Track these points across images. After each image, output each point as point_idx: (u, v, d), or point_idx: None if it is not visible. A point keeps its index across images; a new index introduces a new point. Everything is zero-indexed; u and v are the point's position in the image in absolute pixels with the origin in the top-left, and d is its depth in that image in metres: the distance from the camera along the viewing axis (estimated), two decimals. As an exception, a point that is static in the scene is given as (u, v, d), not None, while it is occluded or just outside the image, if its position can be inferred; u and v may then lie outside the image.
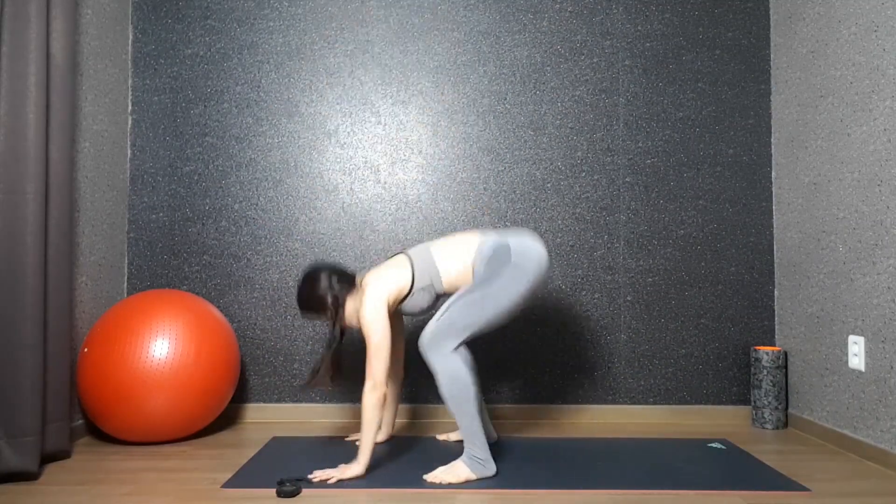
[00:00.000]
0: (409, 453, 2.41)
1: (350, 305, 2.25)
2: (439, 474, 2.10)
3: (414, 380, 2.97)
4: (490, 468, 2.13)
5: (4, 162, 2.13)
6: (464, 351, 2.18)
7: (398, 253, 2.50)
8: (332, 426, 2.83)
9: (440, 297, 2.32)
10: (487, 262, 2.19)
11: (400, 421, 2.92)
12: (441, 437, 2.63)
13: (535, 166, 3.01)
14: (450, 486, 2.07)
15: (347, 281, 2.26)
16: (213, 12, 3.03)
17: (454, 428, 2.77)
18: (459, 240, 2.29)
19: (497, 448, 2.47)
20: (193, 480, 2.12)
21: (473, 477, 2.10)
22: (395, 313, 2.51)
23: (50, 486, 2.05)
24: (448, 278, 2.25)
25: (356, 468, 2.11)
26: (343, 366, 2.34)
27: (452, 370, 2.11)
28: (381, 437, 2.54)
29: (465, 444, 2.13)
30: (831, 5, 2.59)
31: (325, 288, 2.22)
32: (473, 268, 2.23)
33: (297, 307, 2.31)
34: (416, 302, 2.27)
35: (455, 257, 2.25)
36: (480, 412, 2.44)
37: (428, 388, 2.97)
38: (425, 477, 2.11)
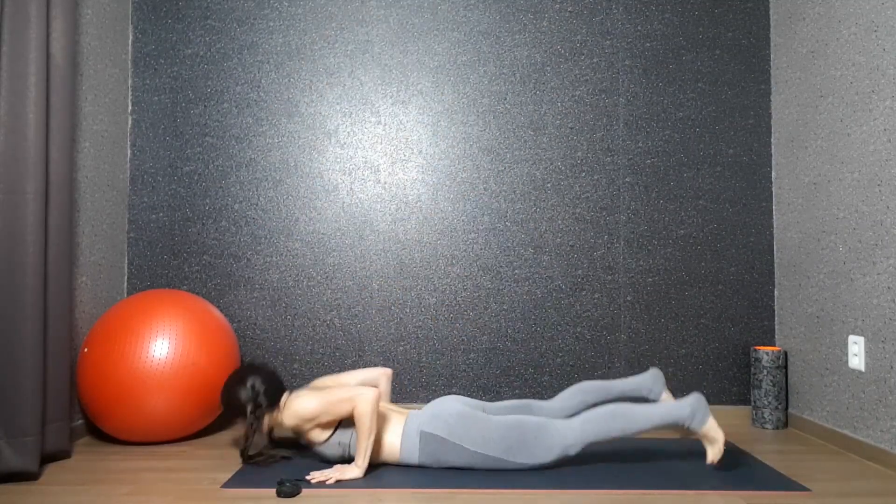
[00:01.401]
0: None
1: (269, 418, 2.24)
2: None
3: (408, 379, 2.97)
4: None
5: (4, 162, 2.13)
6: (563, 419, 2.20)
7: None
8: (332, 426, 2.83)
9: (351, 460, 2.22)
10: (426, 451, 2.17)
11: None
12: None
13: (535, 166, 3.01)
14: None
15: (273, 399, 2.23)
16: (213, 12, 3.03)
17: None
18: (389, 414, 2.24)
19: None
20: (193, 480, 2.12)
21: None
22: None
23: (50, 486, 2.05)
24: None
25: (354, 471, 2.10)
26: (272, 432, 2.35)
27: (593, 429, 2.15)
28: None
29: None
30: (831, 5, 2.59)
31: (249, 396, 2.20)
32: (401, 458, 2.19)
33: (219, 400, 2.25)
34: (327, 452, 2.20)
35: (385, 427, 2.21)
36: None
37: (411, 386, 2.97)
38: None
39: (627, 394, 2.45)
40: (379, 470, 2.20)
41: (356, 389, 2.11)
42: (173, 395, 2.39)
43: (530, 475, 2.15)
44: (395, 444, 2.19)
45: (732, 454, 2.42)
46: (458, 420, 2.17)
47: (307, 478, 2.09)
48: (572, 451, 2.16)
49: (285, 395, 2.28)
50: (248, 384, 2.22)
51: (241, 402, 2.20)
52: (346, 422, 2.20)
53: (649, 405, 2.19)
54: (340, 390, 2.13)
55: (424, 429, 2.18)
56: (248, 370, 2.27)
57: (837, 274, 2.55)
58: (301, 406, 2.14)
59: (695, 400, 2.16)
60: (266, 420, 2.24)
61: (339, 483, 2.07)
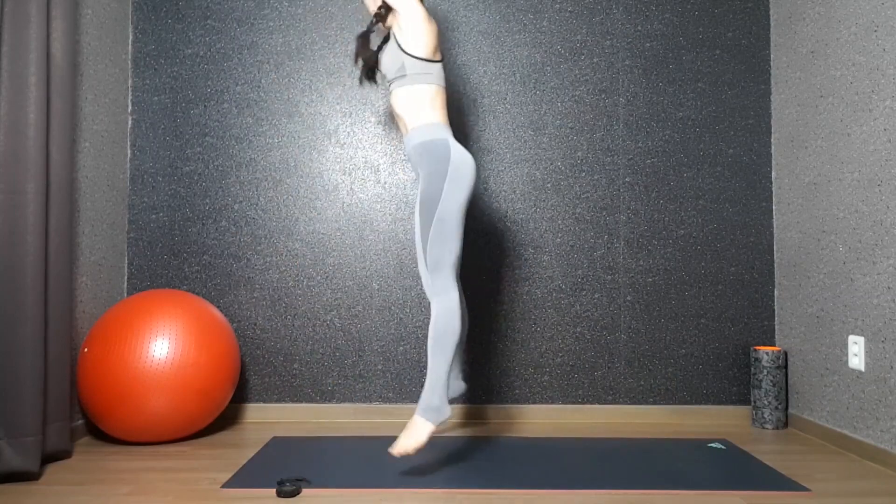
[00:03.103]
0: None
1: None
2: (402, 443, 2.10)
3: (408, 379, 2.97)
4: (445, 411, 2.13)
5: (4, 162, 2.13)
6: (455, 291, 2.21)
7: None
8: (332, 426, 2.83)
9: (388, 82, 2.32)
10: (423, 148, 2.22)
11: (397, 421, 2.92)
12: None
13: (535, 166, 3.01)
14: (417, 451, 2.10)
15: None
16: (213, 12, 3.03)
17: (449, 429, 2.77)
18: (441, 108, 2.30)
19: (498, 448, 2.47)
20: (193, 480, 2.12)
21: (432, 427, 2.11)
22: None
23: (51, 486, 2.06)
24: (407, 95, 2.27)
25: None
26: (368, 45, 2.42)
27: (451, 310, 2.14)
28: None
29: (425, 390, 2.13)
30: (831, 5, 2.59)
31: None
32: (411, 128, 2.26)
33: None
34: (387, 60, 2.30)
35: (428, 103, 2.26)
36: (454, 360, 2.45)
37: (410, 386, 2.97)
38: (390, 451, 2.11)
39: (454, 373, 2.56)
40: (374, 468, 2.20)
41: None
42: (173, 395, 2.39)
43: (529, 475, 2.15)
44: (417, 121, 2.26)
45: (732, 454, 2.42)
46: (464, 174, 2.20)
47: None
48: (426, 285, 2.21)
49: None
50: None
51: None
52: (420, 60, 2.26)
53: (450, 370, 2.20)
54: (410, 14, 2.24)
55: (445, 143, 2.22)
56: None
57: (837, 274, 2.55)
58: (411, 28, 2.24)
59: (445, 412, 2.14)
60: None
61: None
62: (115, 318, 2.47)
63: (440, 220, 2.16)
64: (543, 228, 3.00)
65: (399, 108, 2.29)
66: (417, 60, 2.24)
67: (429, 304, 2.96)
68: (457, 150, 2.22)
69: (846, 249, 2.50)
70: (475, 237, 2.99)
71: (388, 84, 2.39)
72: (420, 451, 2.10)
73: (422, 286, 2.98)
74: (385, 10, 2.33)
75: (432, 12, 3.02)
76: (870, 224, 2.36)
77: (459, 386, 2.55)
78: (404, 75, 2.26)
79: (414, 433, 2.10)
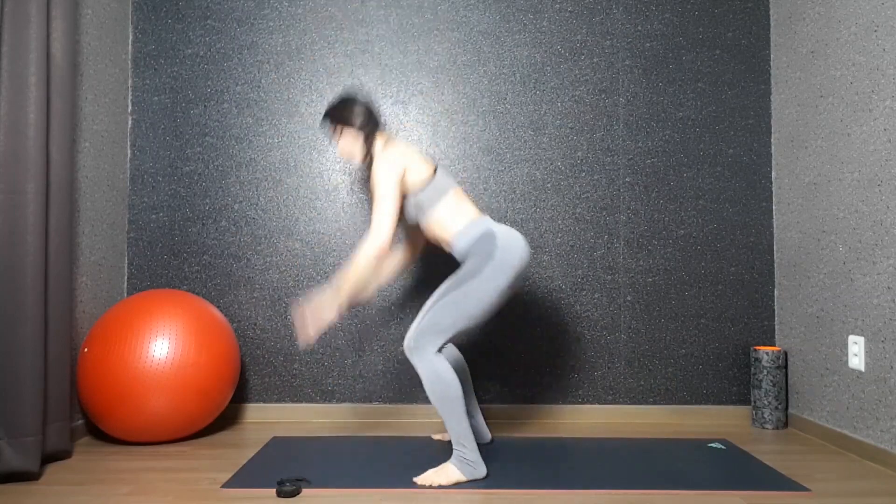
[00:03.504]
0: (406, 453, 2.41)
1: (368, 145, 2.32)
2: (430, 476, 2.09)
3: (408, 379, 2.97)
4: (480, 470, 2.11)
5: (4, 162, 2.13)
6: (450, 348, 2.17)
7: (431, 161, 2.48)
8: (333, 426, 2.83)
9: (416, 228, 2.35)
10: (470, 248, 2.19)
11: (397, 421, 2.92)
12: (436, 436, 2.63)
13: (535, 166, 3.01)
14: (440, 487, 2.06)
15: (377, 127, 2.33)
16: (213, 12, 3.03)
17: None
18: (466, 206, 2.28)
19: (498, 448, 2.47)
20: (193, 480, 2.12)
21: (463, 479, 2.09)
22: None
23: (51, 486, 2.06)
24: (432, 222, 2.25)
25: (330, 297, 2.17)
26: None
27: (436, 371, 2.09)
28: (367, 297, 2.60)
29: (454, 446, 2.12)
30: (831, 5, 2.59)
31: (363, 113, 2.30)
32: (452, 241, 2.23)
33: (325, 114, 2.35)
34: (408, 208, 2.29)
35: (452, 214, 2.24)
36: (471, 413, 2.45)
37: (410, 386, 2.96)
38: (415, 479, 2.10)
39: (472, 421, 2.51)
40: (374, 469, 2.20)
41: (381, 225, 2.12)
42: (173, 395, 2.39)
43: (530, 475, 2.15)
44: (455, 228, 2.23)
45: (732, 454, 2.42)
46: (505, 260, 2.15)
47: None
48: (413, 360, 2.14)
49: (384, 136, 2.36)
50: (362, 102, 2.32)
51: (356, 112, 2.29)
52: (429, 190, 2.24)
53: (464, 417, 2.13)
54: (383, 203, 2.14)
55: (490, 233, 2.19)
56: (355, 95, 2.35)
57: (837, 274, 2.55)
58: (379, 162, 2.20)
59: (478, 474, 2.11)
60: (367, 142, 2.31)
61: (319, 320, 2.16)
62: (115, 318, 2.47)
63: (465, 293, 2.12)
64: (543, 228, 3.00)
65: (435, 235, 2.28)
66: (419, 193, 2.23)
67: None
68: (502, 232, 2.20)
69: (846, 249, 2.50)
70: (475, 237, 2.99)
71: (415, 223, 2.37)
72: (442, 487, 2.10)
73: (421, 286, 2.98)
74: (371, 159, 2.32)
75: (432, 14, 3.02)
76: (870, 224, 2.36)
77: (485, 435, 2.53)
78: (421, 209, 2.26)
79: (444, 474, 2.10)
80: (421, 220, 2.28)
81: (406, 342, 2.15)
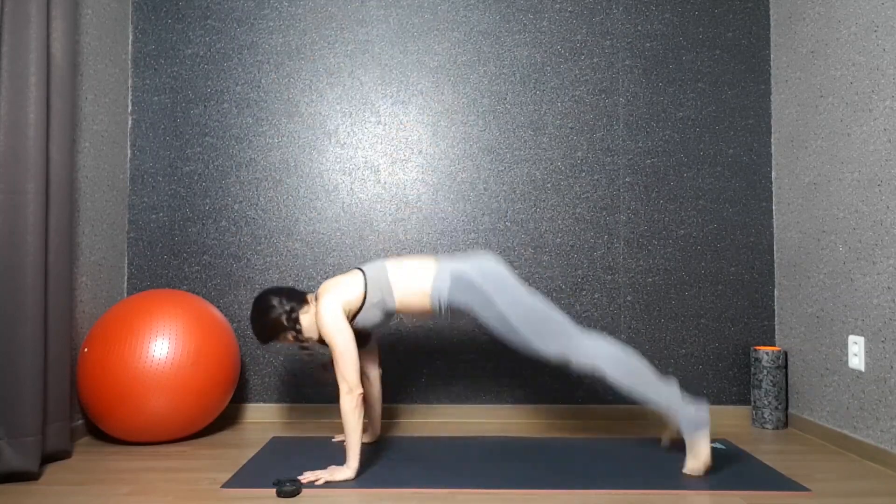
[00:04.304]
0: (405, 453, 2.41)
1: (305, 320, 2.26)
2: (691, 466, 2.14)
3: (396, 379, 2.97)
4: (703, 413, 2.14)
5: (5, 162, 2.13)
6: (594, 334, 2.21)
7: (353, 268, 2.44)
8: (332, 426, 2.83)
9: (392, 316, 2.30)
10: (452, 299, 2.19)
11: (397, 421, 2.92)
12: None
13: (535, 166, 3.01)
14: (707, 467, 2.13)
15: (297, 298, 2.26)
16: (213, 12, 3.03)
17: (449, 429, 2.77)
18: (417, 263, 2.27)
19: (498, 448, 2.47)
20: (193, 480, 2.12)
21: (707, 433, 2.13)
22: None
23: (50, 486, 2.06)
24: (401, 297, 2.23)
25: (346, 472, 2.10)
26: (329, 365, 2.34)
27: (608, 353, 2.15)
28: (368, 438, 2.54)
29: (670, 415, 2.15)
30: (831, 5, 2.59)
31: (278, 309, 2.22)
32: (431, 296, 2.22)
33: (256, 339, 2.28)
34: (367, 317, 2.25)
35: (411, 278, 2.24)
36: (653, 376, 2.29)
37: (410, 386, 2.97)
38: (688, 473, 2.15)
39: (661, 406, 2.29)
40: (373, 470, 2.20)
41: (347, 378, 2.08)
42: (173, 395, 2.39)
43: (529, 475, 2.15)
44: (425, 285, 2.21)
45: (732, 454, 2.42)
46: (495, 275, 2.20)
47: (300, 478, 2.09)
48: (574, 360, 2.17)
49: (310, 296, 2.31)
50: (271, 302, 2.24)
51: (275, 318, 2.22)
52: (374, 281, 2.22)
53: (663, 382, 2.17)
54: (343, 359, 2.09)
55: (458, 272, 2.20)
56: (261, 297, 2.27)
57: (837, 274, 2.55)
58: (321, 322, 2.15)
59: (703, 413, 2.14)
60: (304, 320, 2.25)
61: (331, 484, 2.06)
62: (115, 318, 2.47)
63: (524, 322, 2.15)
64: (543, 228, 3.00)
65: (411, 307, 2.26)
66: (369, 299, 2.21)
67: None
68: (471, 267, 2.21)
69: (846, 249, 2.49)
70: (475, 236, 2.99)
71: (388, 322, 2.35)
72: (710, 467, 2.14)
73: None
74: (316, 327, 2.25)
75: (432, 14, 3.02)
76: (870, 224, 2.36)
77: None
78: (383, 303, 2.23)
79: (695, 453, 2.14)
80: (390, 308, 2.25)
81: (557, 361, 2.19)
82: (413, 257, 2.34)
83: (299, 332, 2.24)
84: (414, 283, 2.23)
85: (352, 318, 2.23)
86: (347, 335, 2.12)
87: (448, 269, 2.23)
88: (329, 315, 2.14)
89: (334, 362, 2.12)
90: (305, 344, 2.29)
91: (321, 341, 2.29)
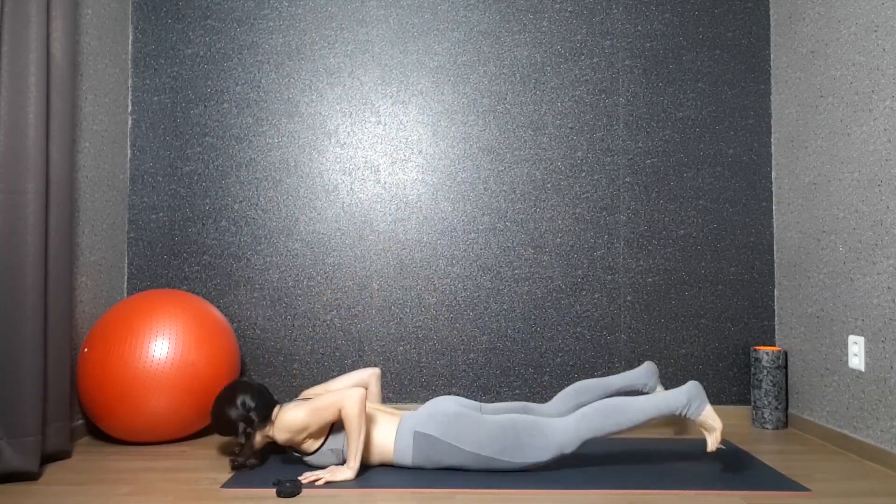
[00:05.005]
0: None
1: (260, 435, 2.21)
2: (710, 442, 2.14)
3: (408, 379, 2.97)
4: (699, 399, 2.16)
5: (4, 162, 2.13)
6: (557, 419, 2.19)
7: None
8: (332, 426, 2.83)
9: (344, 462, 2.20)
10: (419, 453, 2.16)
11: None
12: None
13: (535, 166, 3.01)
14: (722, 434, 2.18)
15: (263, 413, 2.19)
16: (213, 12, 3.03)
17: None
18: (383, 417, 2.23)
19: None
20: (193, 480, 2.12)
21: (708, 408, 2.15)
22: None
23: (50, 486, 2.05)
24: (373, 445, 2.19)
25: (346, 472, 2.10)
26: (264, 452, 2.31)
27: (586, 426, 2.14)
28: None
29: (673, 408, 2.15)
30: (831, 5, 2.59)
31: (240, 411, 2.17)
32: (394, 460, 2.19)
33: (230, 434, 2.21)
34: (320, 460, 2.18)
35: (373, 435, 2.19)
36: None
37: (410, 386, 2.97)
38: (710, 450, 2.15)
39: (623, 389, 2.50)
40: (372, 471, 2.20)
41: (342, 392, 2.10)
42: (173, 395, 2.39)
43: (529, 475, 2.16)
44: (388, 444, 2.19)
45: (732, 454, 2.42)
46: (451, 420, 2.17)
47: (300, 479, 2.09)
48: (568, 450, 2.14)
49: (276, 409, 2.24)
50: (238, 402, 2.18)
51: (233, 421, 2.17)
52: (338, 427, 2.19)
53: (644, 397, 2.18)
54: (326, 396, 2.11)
55: (418, 429, 2.17)
56: (237, 388, 2.23)
57: (837, 274, 2.55)
58: (289, 418, 2.11)
59: (691, 387, 2.15)
60: (258, 437, 2.21)
61: (331, 484, 2.06)
62: (115, 318, 2.47)
63: (497, 448, 2.13)
64: (543, 228, 3.00)
65: (370, 462, 2.21)
66: (322, 451, 2.17)
67: (427, 303, 2.97)
68: (428, 419, 2.17)
69: (846, 249, 2.49)
70: (475, 236, 2.99)
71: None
72: (722, 427, 2.15)
73: (421, 286, 2.98)
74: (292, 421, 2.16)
75: (432, 14, 3.02)
76: (870, 224, 2.36)
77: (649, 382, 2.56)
78: (341, 458, 2.18)
79: (708, 428, 2.15)
80: (346, 457, 2.18)
81: (555, 460, 2.17)
82: (380, 408, 2.32)
83: (246, 444, 2.17)
84: (376, 441, 2.19)
85: (304, 454, 2.19)
86: (310, 413, 2.10)
87: (409, 427, 2.18)
88: (294, 418, 2.11)
89: (323, 404, 2.10)
90: (241, 453, 2.20)
91: (260, 451, 2.27)
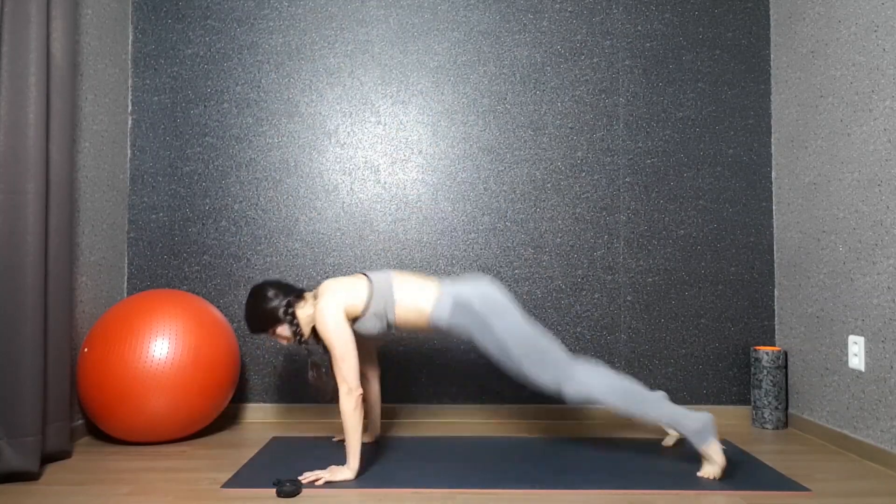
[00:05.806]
0: (406, 453, 2.41)
1: (303, 314, 2.25)
2: (708, 470, 2.14)
3: (408, 379, 2.97)
4: (707, 423, 2.14)
5: (5, 162, 2.13)
6: (586, 363, 2.21)
7: (358, 272, 2.45)
8: (333, 426, 2.83)
9: (391, 329, 2.27)
10: (451, 323, 2.20)
11: (397, 421, 2.92)
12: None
13: (535, 166, 3.01)
14: (724, 471, 2.14)
15: (294, 292, 2.25)
16: (213, 12, 3.03)
17: (449, 429, 2.76)
18: (420, 283, 2.27)
19: (498, 447, 2.47)
20: (193, 480, 2.12)
21: (714, 441, 2.13)
22: None
23: (50, 486, 2.06)
24: (402, 312, 2.23)
25: (346, 472, 2.10)
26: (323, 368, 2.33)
27: (601, 384, 2.16)
28: (368, 438, 2.54)
29: (679, 429, 2.14)
30: (831, 5, 2.59)
31: (274, 300, 2.21)
32: (431, 317, 2.22)
33: (249, 328, 2.26)
34: (367, 326, 2.22)
35: (414, 297, 2.23)
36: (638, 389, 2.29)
37: (410, 386, 2.97)
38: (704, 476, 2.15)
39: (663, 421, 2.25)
40: (372, 471, 2.20)
41: (347, 379, 2.09)
42: (173, 395, 2.39)
43: (529, 475, 2.16)
44: (427, 304, 2.22)
45: (732, 454, 2.42)
46: (494, 302, 2.21)
47: (300, 478, 2.09)
48: (567, 389, 2.17)
49: (308, 294, 2.28)
50: (267, 293, 2.23)
51: (272, 306, 2.21)
52: (377, 290, 2.20)
53: (663, 400, 2.18)
54: (343, 361, 2.09)
55: (458, 297, 2.21)
56: (256, 288, 2.26)
57: (837, 274, 2.55)
58: (322, 322, 2.12)
59: (707, 419, 2.14)
60: (301, 316, 2.24)
61: (331, 484, 2.06)
62: (115, 318, 2.47)
63: (520, 349, 2.16)
64: (543, 228, 3.00)
65: (409, 323, 2.26)
66: (371, 307, 2.20)
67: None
68: (472, 292, 2.21)
69: (846, 249, 2.49)
70: (475, 236, 2.99)
71: (390, 333, 2.36)
72: (725, 470, 2.15)
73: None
74: (312, 323, 2.25)
75: (432, 14, 3.02)
76: (870, 224, 2.36)
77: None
78: (382, 315, 2.22)
79: (710, 460, 2.13)
80: (390, 321, 2.24)
81: (550, 391, 2.20)
82: (416, 275, 2.34)
83: (296, 325, 2.22)
84: (416, 302, 2.23)
85: (351, 323, 2.22)
86: (348, 337, 2.12)
87: (450, 293, 2.23)
88: (330, 316, 2.12)
89: (334, 364, 2.11)
90: (301, 338, 2.25)
91: (315, 337, 2.29)
